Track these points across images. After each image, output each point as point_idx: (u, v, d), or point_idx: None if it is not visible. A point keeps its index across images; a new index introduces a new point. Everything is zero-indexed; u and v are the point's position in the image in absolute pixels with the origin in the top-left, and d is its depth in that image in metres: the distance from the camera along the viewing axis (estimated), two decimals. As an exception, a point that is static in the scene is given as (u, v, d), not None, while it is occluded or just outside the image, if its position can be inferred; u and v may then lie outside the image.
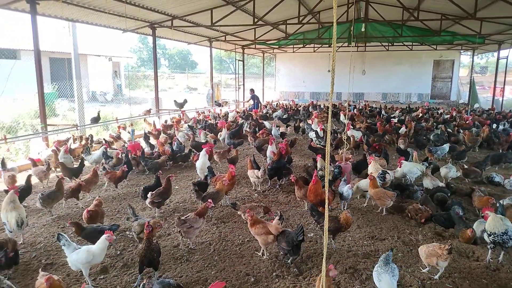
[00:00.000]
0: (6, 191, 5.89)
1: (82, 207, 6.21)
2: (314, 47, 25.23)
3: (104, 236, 4.10)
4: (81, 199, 6.58)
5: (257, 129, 12.67)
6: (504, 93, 22.83)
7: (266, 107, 20.95)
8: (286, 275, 4.28)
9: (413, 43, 22.55)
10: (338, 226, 4.78)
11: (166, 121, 14.46)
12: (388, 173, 6.88)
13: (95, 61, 28.76)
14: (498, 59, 21.39)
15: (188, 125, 13.28)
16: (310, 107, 19.84)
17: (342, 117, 15.08)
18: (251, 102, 21.94)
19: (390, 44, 23.06)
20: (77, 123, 12.30)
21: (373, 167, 7.29)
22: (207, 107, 19.71)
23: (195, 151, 9.49)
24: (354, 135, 10.60)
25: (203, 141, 10.70)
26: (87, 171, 7.79)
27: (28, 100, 16.37)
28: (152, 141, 10.99)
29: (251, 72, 45.74)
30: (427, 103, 23.85)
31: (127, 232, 5.35)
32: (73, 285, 4.09)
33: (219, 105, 20.19)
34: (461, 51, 26.17)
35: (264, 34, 19.86)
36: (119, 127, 12.09)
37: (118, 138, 10.75)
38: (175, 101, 16.46)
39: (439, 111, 17.83)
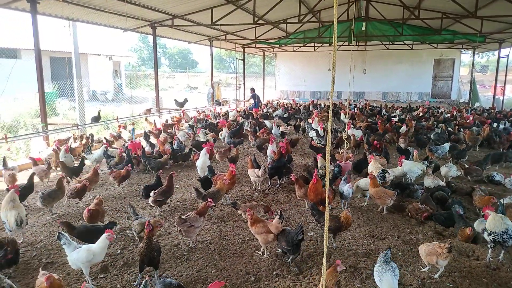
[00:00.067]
0: (8, 190, 5.92)
1: (82, 206, 6.21)
2: (314, 46, 25.21)
3: (104, 235, 4.10)
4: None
5: (257, 128, 12.67)
6: (505, 92, 22.81)
7: (266, 106, 20.95)
8: (286, 274, 4.28)
9: (414, 42, 22.53)
10: (338, 225, 4.78)
11: (166, 120, 14.47)
12: (388, 172, 6.88)
13: (95, 60, 28.78)
14: (498, 57, 21.35)
15: (189, 124, 13.29)
16: (311, 106, 19.83)
17: (342, 116, 15.08)
18: (252, 101, 21.94)
19: (390, 43, 23.05)
20: (78, 122, 12.31)
21: (374, 166, 7.29)
22: (208, 106, 19.71)
23: (195, 150, 9.50)
24: (355, 134, 10.60)
25: (203, 140, 10.70)
26: (88, 170, 7.81)
27: (28, 99, 16.40)
28: (153, 140, 10.99)
29: (251, 71, 45.73)
30: (428, 102, 23.82)
31: (128, 231, 5.36)
32: (74, 284, 4.10)
33: (220, 104, 20.19)
34: (462, 50, 26.13)
35: (265, 33, 19.85)
36: (119, 126, 12.10)
37: (118, 137, 10.76)
38: (175, 100, 16.46)
39: (440, 110, 17.81)
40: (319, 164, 7.67)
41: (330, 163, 7.41)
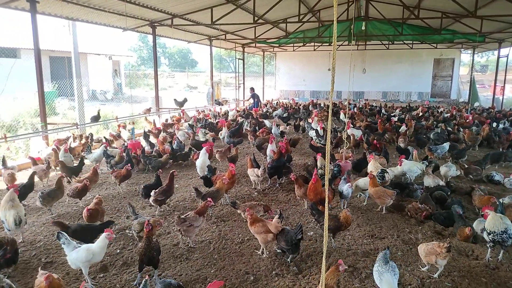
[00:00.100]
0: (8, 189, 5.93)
1: (82, 206, 6.21)
2: (314, 45, 25.21)
3: (103, 235, 4.10)
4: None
5: (257, 127, 12.67)
6: (504, 91, 22.80)
7: (266, 105, 20.94)
8: (285, 274, 4.28)
9: (414, 42, 22.54)
10: (338, 224, 4.78)
11: (166, 120, 14.46)
12: (387, 172, 6.88)
13: (95, 59, 28.76)
14: (498, 57, 21.35)
15: (188, 123, 13.28)
16: (310, 105, 19.83)
17: (342, 116, 15.07)
18: (251, 101, 21.94)
19: (390, 43, 23.05)
20: (77, 121, 12.30)
21: (373, 165, 7.29)
22: (207, 105, 19.70)
23: (195, 150, 9.50)
24: (354, 134, 10.60)
25: (202, 139, 10.69)
26: (87, 170, 7.80)
27: (28, 99, 16.38)
28: (152, 139, 10.99)
29: (251, 71, 45.72)
30: (427, 102, 23.84)
31: (127, 231, 5.36)
32: (73, 284, 4.10)
33: (219, 103, 20.18)
34: (462, 49, 26.13)
35: (264, 32, 19.85)
36: (119, 125, 12.09)
37: (118, 136, 10.76)
38: (175, 99, 16.45)
39: (439, 110, 17.81)
40: (318, 164, 7.67)
41: (330, 163, 7.41)
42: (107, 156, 8.33)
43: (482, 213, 4.99)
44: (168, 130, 12.34)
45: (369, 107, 19.20)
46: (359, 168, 8.01)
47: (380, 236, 5.24)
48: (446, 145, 9.38)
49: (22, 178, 7.73)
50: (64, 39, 18.25)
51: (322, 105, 20.27)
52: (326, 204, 2.80)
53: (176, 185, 7.42)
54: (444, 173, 7.42)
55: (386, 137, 11.15)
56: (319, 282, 3.73)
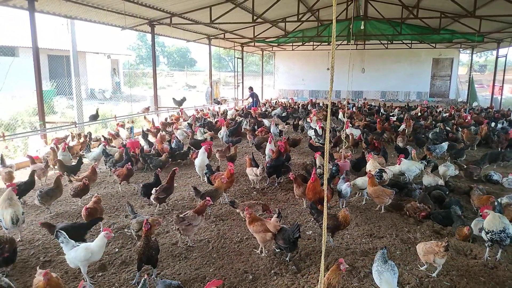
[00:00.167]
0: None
1: (80, 205, 6.21)
2: (313, 45, 25.20)
3: (102, 233, 4.09)
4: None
5: (256, 127, 12.67)
6: (503, 91, 22.84)
7: (265, 105, 20.94)
8: (284, 273, 4.29)
9: (412, 41, 22.55)
10: (336, 224, 4.79)
11: (166, 119, 14.44)
12: (385, 171, 6.88)
13: (93, 58, 28.69)
14: (497, 57, 21.39)
15: (187, 123, 13.27)
16: (309, 105, 19.84)
17: (340, 115, 15.08)
18: (250, 100, 21.94)
19: (389, 42, 23.05)
20: (76, 120, 12.28)
21: (372, 165, 7.30)
22: (206, 105, 19.68)
23: (193, 149, 9.49)
24: (353, 133, 10.61)
25: (200, 138, 10.67)
26: (86, 169, 7.79)
27: (26, 97, 16.34)
28: (151, 138, 10.97)
29: (250, 70, 45.69)
30: (426, 102, 23.87)
31: (126, 230, 5.36)
32: (71, 283, 4.09)
33: (218, 103, 20.17)
34: (460, 49, 26.16)
35: (263, 32, 19.83)
36: (117, 124, 12.07)
37: (117, 135, 10.75)
38: (173, 99, 16.42)
39: (438, 110, 17.84)
40: (317, 163, 7.67)
41: (329, 162, 7.41)
42: (106, 155, 8.32)
43: (481, 214, 5.00)
44: (166, 129, 12.34)
45: (368, 106, 19.22)
46: (358, 167, 8.02)
47: (379, 235, 5.25)
48: (445, 145, 9.41)
49: (20, 176, 7.72)
50: (62, 38, 18.21)
51: (321, 104, 20.28)
52: (325, 203, 2.80)
53: (175, 184, 7.40)
54: (442, 173, 7.43)
55: (385, 136, 11.17)
56: (318, 281, 3.74)
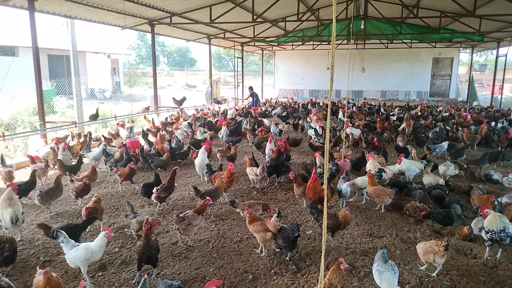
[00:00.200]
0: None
1: (81, 204, 6.21)
2: (313, 44, 25.20)
3: (102, 233, 4.10)
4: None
5: (256, 126, 12.67)
6: (503, 91, 22.83)
7: (265, 104, 20.93)
8: (284, 272, 4.29)
9: (412, 41, 22.54)
10: (336, 223, 4.79)
11: (166, 119, 14.43)
12: (385, 171, 6.88)
13: (93, 58, 28.68)
14: (497, 56, 21.38)
15: (188, 122, 13.27)
16: (309, 104, 19.84)
17: (340, 115, 15.07)
18: (250, 99, 21.94)
19: (389, 42, 23.05)
20: (76, 120, 12.28)
21: (372, 164, 7.29)
22: (206, 104, 19.68)
23: (194, 149, 9.49)
24: (353, 133, 10.61)
25: (199, 138, 10.66)
26: (86, 168, 7.78)
27: (26, 97, 16.35)
28: (151, 138, 10.97)
29: (250, 70, 45.69)
30: (426, 101, 23.87)
31: (126, 229, 5.36)
32: (71, 282, 4.09)
33: (218, 102, 20.17)
34: (460, 48, 26.16)
35: (263, 31, 19.82)
36: (117, 124, 12.07)
37: (117, 135, 10.75)
38: (173, 98, 16.42)
39: (438, 109, 17.84)
40: (317, 162, 7.67)
41: (329, 162, 7.41)
42: (107, 155, 8.32)
43: (481, 213, 4.99)
44: (167, 129, 12.34)
45: (368, 106, 19.22)
46: (359, 167, 8.02)
47: (379, 235, 5.25)
48: (445, 144, 9.41)
49: (20, 176, 7.72)
50: (62, 37, 18.20)
51: (321, 104, 20.28)
52: (325, 203, 2.80)
53: (175, 184, 7.41)
54: (442, 172, 7.43)
55: (385, 136, 11.17)
56: (318, 281, 3.74)
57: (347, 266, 3.65)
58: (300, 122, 13.47)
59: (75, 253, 3.96)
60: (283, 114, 16.08)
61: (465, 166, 8.04)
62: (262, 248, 4.72)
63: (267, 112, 17.16)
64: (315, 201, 5.60)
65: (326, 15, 18.35)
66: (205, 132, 11.43)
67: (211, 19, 13.90)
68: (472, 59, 25.91)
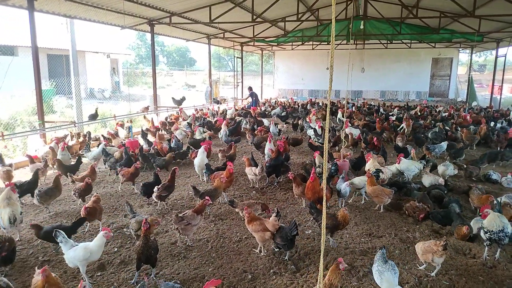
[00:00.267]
0: (15, 185, 5.92)
1: (80, 204, 6.20)
2: (312, 44, 25.20)
3: (101, 233, 4.09)
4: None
5: (255, 126, 12.67)
6: (502, 91, 22.86)
7: (264, 104, 20.93)
8: (283, 272, 4.29)
9: (412, 41, 22.56)
10: (335, 223, 4.79)
11: (166, 119, 14.42)
12: (382, 171, 6.88)
13: (93, 58, 28.65)
14: (496, 57, 21.40)
15: (187, 122, 13.27)
16: (309, 104, 19.84)
17: (340, 115, 15.07)
18: (250, 99, 21.94)
19: (389, 42, 23.07)
20: (75, 120, 12.27)
21: (372, 164, 7.29)
22: (206, 104, 19.68)
23: (193, 148, 9.48)
24: (353, 133, 10.61)
25: (198, 138, 10.66)
26: (85, 168, 7.78)
27: (25, 96, 16.34)
28: (150, 138, 10.97)
29: (249, 70, 45.70)
30: (425, 101, 23.88)
31: (125, 229, 5.35)
32: (70, 282, 4.09)
33: (218, 102, 20.18)
34: (460, 49, 26.18)
35: (263, 31, 19.83)
36: (117, 124, 12.07)
37: (116, 135, 10.74)
38: (173, 98, 16.42)
39: (438, 109, 17.85)
40: (317, 162, 7.67)
41: (328, 162, 7.41)
42: (106, 155, 8.31)
43: (480, 213, 4.99)
44: (167, 128, 12.35)
45: (367, 106, 19.23)
46: (358, 167, 8.03)
47: (378, 235, 5.25)
48: (444, 144, 9.41)
49: (19, 176, 7.72)
50: (62, 37, 18.18)
51: (320, 104, 20.28)
52: (324, 203, 2.81)
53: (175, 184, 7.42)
54: (441, 172, 7.44)
55: (384, 136, 11.17)
56: (317, 281, 3.74)
57: (346, 266, 3.65)
58: (299, 122, 13.48)
59: (74, 253, 3.95)
60: (282, 114, 16.08)
61: (465, 166, 8.05)
62: (261, 248, 4.72)
63: (266, 112, 17.16)
64: (314, 201, 5.60)
65: (326, 15, 18.35)
66: (204, 132, 11.43)
67: (211, 19, 13.90)
68: (471, 59, 25.96)
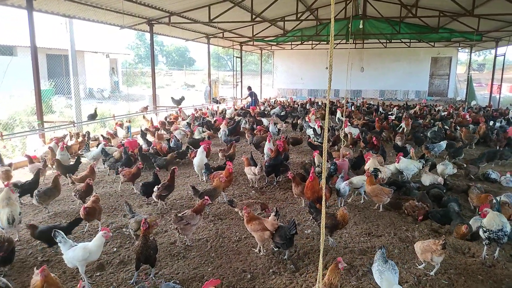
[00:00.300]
0: (16, 185, 5.92)
1: (79, 204, 6.19)
2: (312, 44, 25.22)
3: (100, 233, 4.09)
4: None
5: (254, 126, 12.66)
6: (501, 90, 22.88)
7: (264, 104, 20.92)
8: (282, 272, 4.29)
9: (411, 40, 22.57)
10: (335, 223, 4.79)
11: (166, 118, 14.42)
12: (380, 170, 6.88)
13: (92, 57, 28.62)
14: (495, 56, 21.42)
15: (187, 122, 13.27)
16: (308, 104, 19.84)
17: (339, 114, 15.05)
18: (249, 99, 21.94)
19: (388, 41, 23.08)
20: (74, 120, 12.26)
21: (372, 163, 7.29)
22: (205, 104, 19.68)
23: (192, 148, 9.48)
24: (352, 132, 10.62)
25: (197, 137, 10.66)
26: (84, 168, 7.77)
27: (24, 96, 16.32)
28: (150, 138, 10.96)
29: (249, 69, 45.68)
30: (425, 100, 23.91)
31: (124, 229, 5.35)
32: (69, 282, 4.08)
33: (217, 102, 20.17)
34: (459, 48, 26.20)
35: (262, 30, 19.83)
36: (116, 123, 12.06)
37: (115, 135, 10.73)
38: (172, 98, 16.41)
39: (437, 108, 17.87)
40: (316, 162, 7.67)
41: (327, 161, 7.41)
42: (106, 154, 8.30)
43: (479, 213, 4.99)
44: (166, 128, 12.35)
45: (366, 105, 19.23)
46: (358, 166, 8.03)
47: (377, 234, 5.26)
48: (443, 144, 9.42)
49: (18, 176, 7.71)
50: (61, 37, 18.17)
51: (320, 103, 20.28)
52: (323, 202, 2.80)
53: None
54: (440, 171, 7.44)
55: (384, 135, 11.18)
56: (316, 280, 3.74)
57: (345, 265, 3.65)
58: (299, 121, 13.48)
59: (73, 253, 3.95)
60: (281, 114, 16.08)
61: (465, 165, 8.06)
62: (260, 247, 4.72)
63: (265, 112, 17.15)
64: (313, 200, 5.60)
65: (325, 15, 18.35)
66: (203, 132, 11.42)
67: (210, 18, 13.89)
68: (470, 58, 26.01)
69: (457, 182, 7.08)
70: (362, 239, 5.12)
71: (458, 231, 4.96)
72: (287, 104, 19.97)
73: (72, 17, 11.98)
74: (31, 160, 7.67)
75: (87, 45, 26.80)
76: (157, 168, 7.46)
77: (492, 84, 21.96)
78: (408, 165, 7.34)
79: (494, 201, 5.36)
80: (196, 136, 10.89)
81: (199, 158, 7.67)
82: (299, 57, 28.68)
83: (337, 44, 21.92)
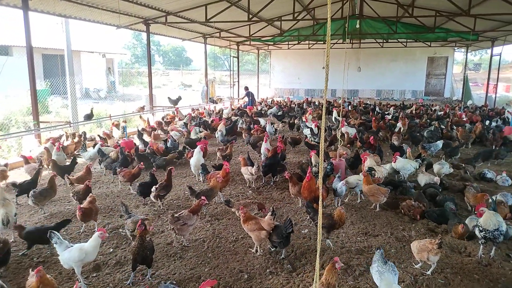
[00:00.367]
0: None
1: (75, 204, 6.16)
2: (309, 43, 25.23)
3: (96, 234, 4.07)
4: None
5: (251, 126, 12.66)
6: (497, 90, 22.99)
7: (260, 104, 20.92)
8: (279, 272, 4.28)
9: (408, 40, 22.64)
10: (332, 222, 4.79)
11: (162, 118, 14.39)
12: (375, 170, 6.89)
13: (88, 57, 28.49)
14: (491, 56, 21.51)
15: (183, 122, 13.24)
16: (305, 104, 19.86)
17: (335, 114, 15.07)
18: (246, 99, 21.94)
19: (384, 41, 23.13)
20: (70, 120, 12.20)
21: (369, 163, 7.30)
22: (202, 104, 19.66)
23: (189, 148, 9.46)
24: (348, 132, 10.63)
25: (194, 137, 10.63)
26: (80, 169, 7.73)
27: (20, 96, 16.22)
28: (146, 138, 10.93)
29: (246, 69, 45.66)
30: (421, 100, 23.98)
31: (120, 230, 5.33)
32: (65, 283, 4.06)
33: (214, 102, 20.15)
34: (455, 48, 26.30)
35: (259, 30, 19.81)
36: (112, 124, 12.01)
37: (111, 135, 10.69)
38: (169, 98, 16.38)
39: (433, 108, 17.93)
40: (313, 161, 7.68)
41: (324, 161, 7.42)
42: (102, 155, 8.27)
43: (475, 212, 5.01)
44: (164, 128, 12.33)
45: (363, 105, 19.27)
46: (355, 166, 8.03)
47: (374, 234, 5.26)
48: (440, 143, 9.45)
49: (13, 176, 7.66)
50: (57, 37, 18.05)
51: (316, 103, 20.30)
52: (320, 202, 2.80)
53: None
54: (437, 171, 7.46)
55: (380, 135, 11.21)
56: (313, 280, 3.74)
57: (342, 265, 3.65)
58: (295, 121, 13.48)
59: (69, 254, 3.93)
60: (278, 114, 16.09)
61: (463, 165, 8.08)
62: (257, 247, 4.71)
63: (262, 112, 17.16)
64: (310, 200, 5.60)
65: (322, 14, 18.36)
66: (200, 132, 11.40)
67: (207, 18, 13.87)
68: (466, 58, 26.07)
69: (453, 181, 7.10)
70: (359, 238, 5.13)
71: (456, 231, 4.97)
72: (284, 104, 19.98)
73: (68, 17, 11.92)
74: (26, 160, 7.64)
75: (83, 45, 26.67)
76: (154, 168, 7.40)
77: (488, 84, 22.05)
78: (404, 165, 7.35)
79: (490, 200, 5.38)
80: (193, 136, 10.86)
81: (195, 158, 7.66)
82: (296, 57, 28.69)
83: (334, 44, 21.96)
